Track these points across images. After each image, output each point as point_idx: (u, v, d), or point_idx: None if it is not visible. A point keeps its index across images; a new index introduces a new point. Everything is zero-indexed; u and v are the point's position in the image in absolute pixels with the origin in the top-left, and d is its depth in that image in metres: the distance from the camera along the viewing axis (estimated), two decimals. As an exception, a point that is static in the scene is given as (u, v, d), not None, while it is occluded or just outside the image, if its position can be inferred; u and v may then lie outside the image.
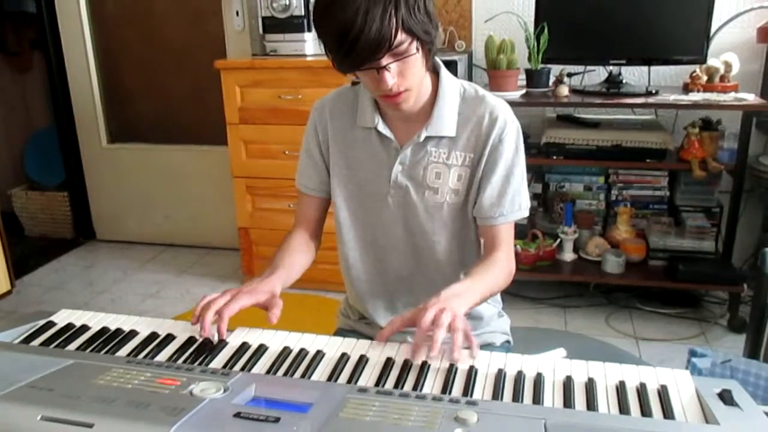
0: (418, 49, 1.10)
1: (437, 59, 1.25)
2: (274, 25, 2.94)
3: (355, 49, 1.04)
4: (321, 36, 1.11)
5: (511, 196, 1.25)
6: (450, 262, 1.32)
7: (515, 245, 1.37)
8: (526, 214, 1.29)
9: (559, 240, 2.84)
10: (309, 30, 2.92)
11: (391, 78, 1.10)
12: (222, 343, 1.07)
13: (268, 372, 0.99)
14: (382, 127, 1.25)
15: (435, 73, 1.25)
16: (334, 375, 0.98)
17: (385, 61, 1.08)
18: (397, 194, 1.28)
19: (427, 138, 1.24)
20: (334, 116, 1.32)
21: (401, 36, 1.06)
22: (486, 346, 1.36)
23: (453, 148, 1.25)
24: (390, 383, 0.95)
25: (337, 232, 1.37)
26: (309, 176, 1.37)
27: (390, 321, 1.09)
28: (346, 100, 1.32)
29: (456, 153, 1.25)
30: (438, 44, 1.18)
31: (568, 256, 2.87)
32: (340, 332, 1.46)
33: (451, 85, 1.25)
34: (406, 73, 1.12)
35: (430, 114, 1.24)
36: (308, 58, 2.91)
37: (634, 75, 2.88)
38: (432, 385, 0.95)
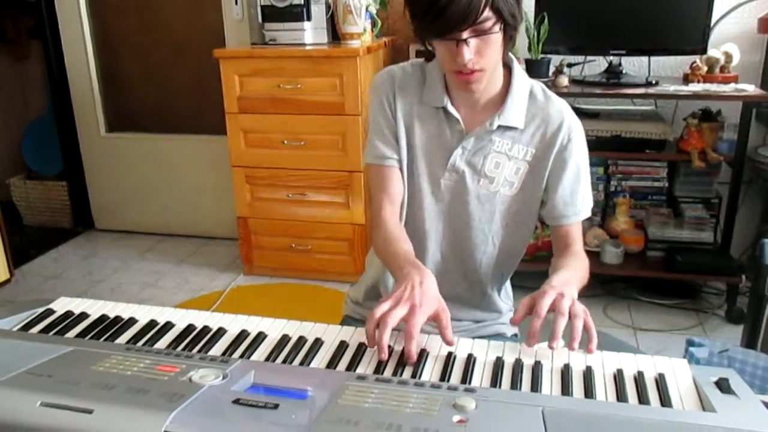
0: (500, 30, 1.10)
1: (511, 55, 1.25)
2: (273, 13, 2.93)
3: (442, 17, 1.04)
4: (408, 1, 1.11)
5: (582, 194, 1.28)
6: (485, 253, 1.33)
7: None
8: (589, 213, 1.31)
9: (557, 230, 2.84)
10: (308, 19, 2.91)
11: (468, 53, 1.10)
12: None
13: (267, 359, 0.99)
14: (450, 108, 1.25)
15: (507, 67, 1.26)
16: (333, 363, 0.98)
17: (466, 34, 1.08)
18: (451, 178, 1.27)
19: (497, 126, 1.23)
20: (402, 88, 1.30)
21: (488, 13, 1.06)
22: (497, 336, 1.38)
23: (517, 140, 1.25)
24: (389, 371, 0.95)
25: None
26: (393, 146, 1.28)
27: (519, 306, 1.05)
28: (414, 75, 1.30)
29: (519, 146, 1.25)
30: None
31: (567, 246, 2.87)
32: (348, 320, 1.45)
33: (523, 80, 1.26)
34: (484, 52, 1.12)
35: (500, 104, 1.24)
36: (307, 47, 2.90)
37: (633, 65, 2.88)
38: (431, 372, 0.95)
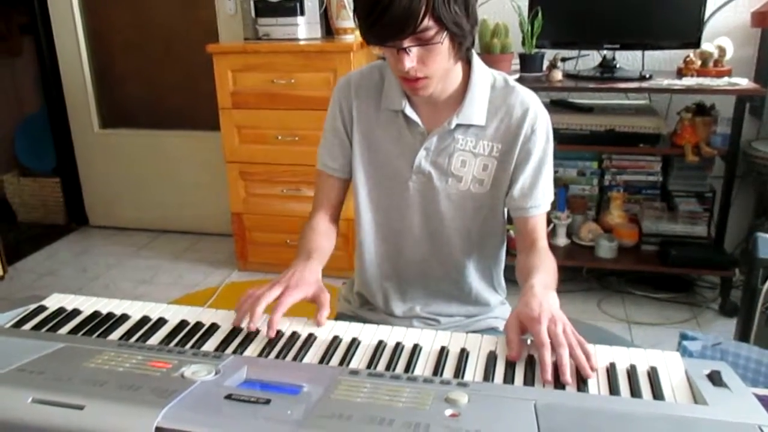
0: (443, 41, 1.07)
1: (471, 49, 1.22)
2: (266, 8, 2.92)
3: (379, 23, 1.02)
4: (354, 3, 1.10)
5: (542, 188, 1.26)
6: (465, 251, 1.32)
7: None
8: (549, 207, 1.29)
9: (552, 225, 2.84)
10: (302, 14, 2.90)
11: (409, 61, 1.08)
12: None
13: (259, 355, 0.99)
14: (409, 111, 1.23)
15: (467, 61, 1.23)
16: (325, 358, 0.98)
17: (407, 43, 1.06)
18: (418, 180, 1.27)
19: (456, 125, 1.22)
20: (359, 95, 1.30)
21: (428, 22, 1.03)
22: (489, 331, 1.37)
23: (481, 137, 1.24)
24: (382, 365, 0.95)
25: (355, 213, 1.36)
26: (335, 156, 1.34)
27: (508, 337, 0.99)
28: (372, 80, 1.29)
29: (483, 142, 1.24)
30: (471, 39, 1.15)
31: (561, 241, 2.88)
32: (341, 317, 1.45)
33: (483, 74, 1.24)
34: (428, 61, 1.09)
35: (461, 102, 1.22)
36: (301, 42, 2.89)
37: (627, 60, 2.87)
38: (423, 367, 0.95)
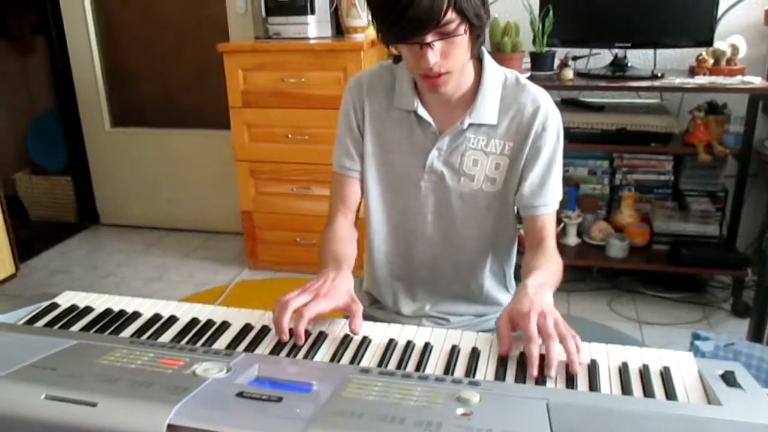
0: (465, 32, 1.07)
1: (482, 48, 1.22)
2: (276, 7, 2.92)
3: (402, 20, 1.02)
4: (369, 3, 1.09)
5: (552, 186, 1.25)
6: (477, 250, 1.32)
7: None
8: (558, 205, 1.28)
9: (562, 224, 2.83)
10: (312, 12, 2.91)
11: (433, 57, 1.07)
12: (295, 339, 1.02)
13: (271, 353, 0.99)
14: (421, 111, 1.23)
15: (478, 59, 1.23)
16: (336, 356, 0.98)
17: (430, 38, 1.05)
18: (430, 179, 1.26)
19: (468, 125, 1.22)
20: (371, 95, 1.29)
21: (451, 15, 1.03)
22: None
23: (492, 135, 1.23)
24: (392, 364, 0.95)
25: (366, 213, 1.35)
26: (353, 158, 1.32)
27: (499, 332, 1.00)
28: (383, 80, 1.29)
29: (495, 141, 1.23)
30: (483, 35, 1.15)
31: (572, 240, 2.87)
32: None
33: (494, 73, 1.23)
34: (450, 55, 1.09)
35: (473, 101, 1.21)
36: (311, 41, 2.89)
37: (639, 58, 2.86)
38: (435, 366, 0.95)
